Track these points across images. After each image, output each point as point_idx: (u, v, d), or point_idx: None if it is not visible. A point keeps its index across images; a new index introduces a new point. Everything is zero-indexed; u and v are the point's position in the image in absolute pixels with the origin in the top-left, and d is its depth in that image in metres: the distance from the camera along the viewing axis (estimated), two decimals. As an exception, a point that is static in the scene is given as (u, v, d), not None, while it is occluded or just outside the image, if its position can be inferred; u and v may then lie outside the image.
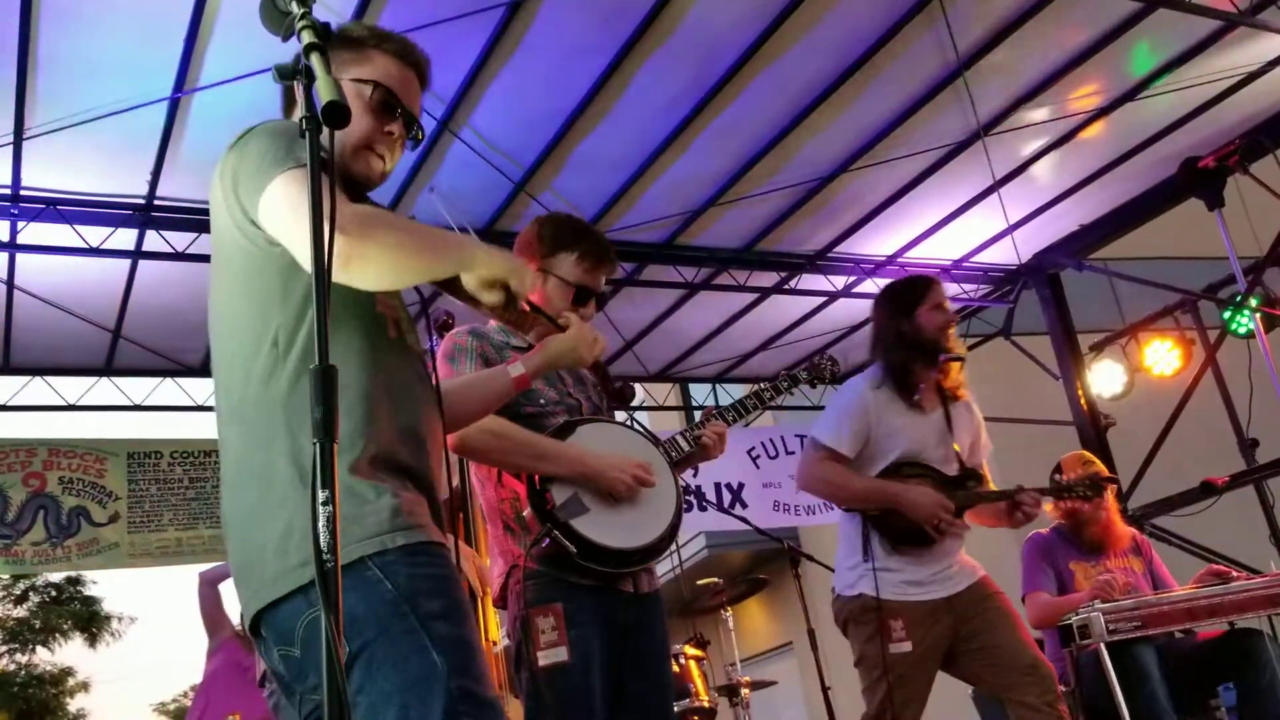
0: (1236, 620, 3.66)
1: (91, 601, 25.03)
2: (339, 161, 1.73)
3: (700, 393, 9.23)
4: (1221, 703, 3.95)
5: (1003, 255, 6.88)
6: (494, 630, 4.56)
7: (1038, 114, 5.57)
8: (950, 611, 3.25)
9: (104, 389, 6.72)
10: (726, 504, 7.62)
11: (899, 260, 6.95)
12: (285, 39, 1.41)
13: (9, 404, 6.57)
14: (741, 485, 7.83)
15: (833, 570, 3.48)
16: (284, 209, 1.53)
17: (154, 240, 5.32)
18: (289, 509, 1.52)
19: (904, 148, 5.68)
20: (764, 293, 6.92)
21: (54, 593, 24.51)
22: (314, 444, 1.22)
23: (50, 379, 6.56)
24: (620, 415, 2.78)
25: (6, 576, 21.63)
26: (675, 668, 4.62)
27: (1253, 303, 5.39)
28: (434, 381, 1.80)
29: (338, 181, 1.64)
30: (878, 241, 6.74)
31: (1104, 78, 5.38)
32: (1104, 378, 6.89)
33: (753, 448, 7.96)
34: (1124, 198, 6.47)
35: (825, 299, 7.15)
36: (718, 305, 7.16)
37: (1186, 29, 5.06)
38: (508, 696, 3.68)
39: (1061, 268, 7.00)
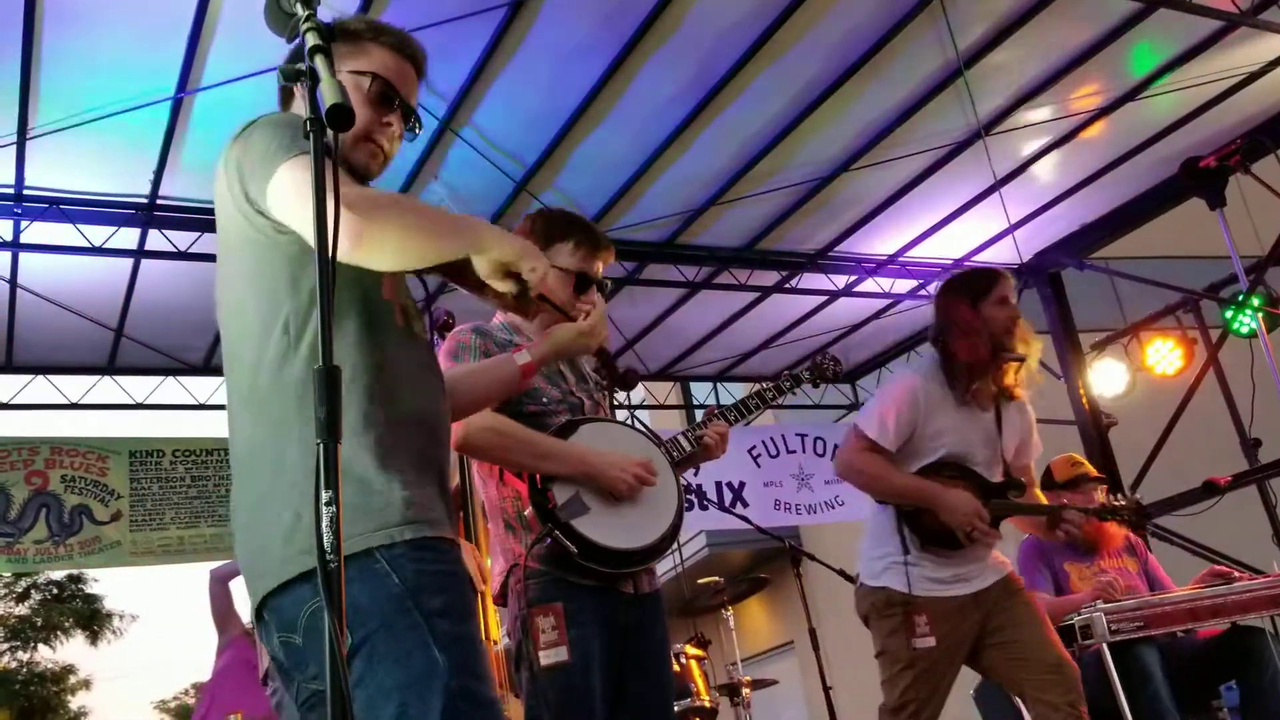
0: (1239, 619, 3.66)
1: (93, 599, 25.09)
2: (340, 153, 1.74)
3: (701, 391, 9.23)
4: (1224, 703, 3.96)
5: (1004, 254, 6.88)
6: (494, 629, 4.56)
7: (1039, 113, 5.57)
8: (978, 608, 3.23)
9: (106, 387, 6.74)
10: (727, 503, 7.61)
11: (900, 259, 6.95)
12: (290, 40, 1.42)
13: (12, 402, 6.58)
14: (742, 484, 7.83)
15: (833, 570, 3.47)
16: (292, 195, 1.53)
17: (156, 239, 5.34)
18: (299, 495, 1.52)
19: (905, 147, 5.68)
20: (765, 292, 6.92)
21: (56, 591, 24.57)
22: (318, 443, 1.21)
23: (53, 377, 6.58)
24: (622, 415, 2.79)
25: (8, 574, 21.66)
26: (676, 667, 4.63)
27: (1255, 302, 5.39)
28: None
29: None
30: (879, 241, 6.74)
31: (1105, 77, 5.38)
32: (1106, 377, 6.89)
33: (753, 446, 7.96)
34: (1125, 197, 6.47)
35: (826, 298, 7.16)
36: (719, 304, 7.16)
37: (1187, 29, 5.06)
38: (508, 696, 3.68)
39: (1063, 267, 7.00)
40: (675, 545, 2.59)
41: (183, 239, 5.34)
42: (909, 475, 3.25)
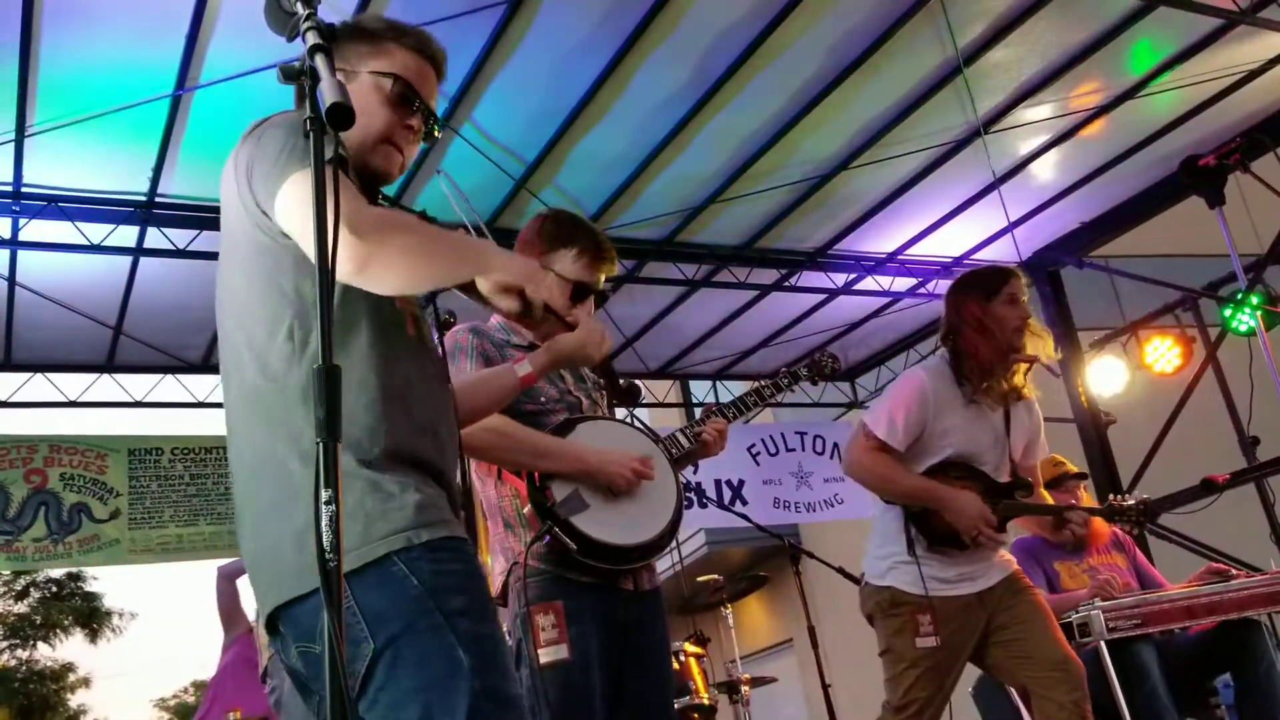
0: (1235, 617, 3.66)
1: (92, 597, 25.12)
2: (358, 156, 1.72)
3: (700, 389, 9.24)
4: (1221, 700, 3.96)
5: (1003, 253, 6.87)
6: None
7: (1038, 112, 5.57)
8: (983, 606, 3.22)
9: (105, 385, 6.73)
10: (726, 501, 7.62)
11: (899, 258, 6.95)
12: (290, 39, 1.41)
13: (10, 400, 6.57)
14: (742, 482, 7.84)
15: (832, 567, 3.47)
16: (299, 209, 1.50)
17: (155, 237, 5.33)
18: (307, 503, 1.51)
19: (904, 145, 5.68)
20: (764, 290, 6.92)
21: (55, 589, 24.59)
22: (317, 443, 1.21)
23: (51, 375, 6.57)
24: (620, 414, 2.79)
25: (7, 572, 21.66)
26: (675, 665, 4.62)
27: (1253, 300, 5.39)
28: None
29: (354, 179, 1.63)
30: (878, 239, 6.74)
31: (1104, 75, 5.38)
32: (1104, 375, 6.90)
33: (753, 444, 7.96)
34: (1124, 195, 6.47)
35: (825, 296, 7.16)
36: (718, 302, 7.17)
37: (1187, 27, 5.06)
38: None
39: (1062, 265, 7.00)
40: (674, 542, 2.60)
41: (181, 237, 5.33)
42: (918, 476, 3.23)
